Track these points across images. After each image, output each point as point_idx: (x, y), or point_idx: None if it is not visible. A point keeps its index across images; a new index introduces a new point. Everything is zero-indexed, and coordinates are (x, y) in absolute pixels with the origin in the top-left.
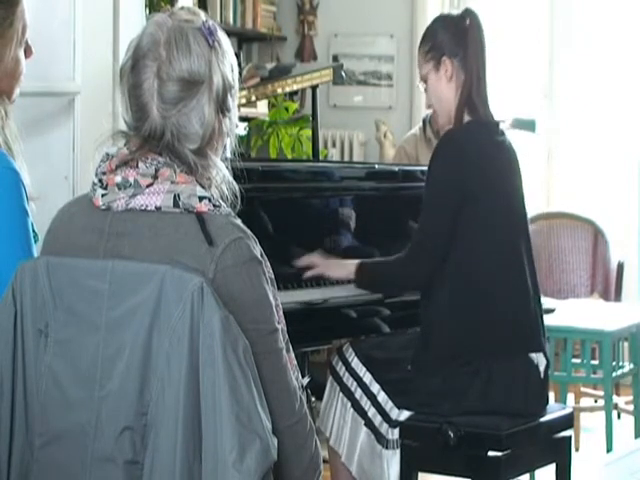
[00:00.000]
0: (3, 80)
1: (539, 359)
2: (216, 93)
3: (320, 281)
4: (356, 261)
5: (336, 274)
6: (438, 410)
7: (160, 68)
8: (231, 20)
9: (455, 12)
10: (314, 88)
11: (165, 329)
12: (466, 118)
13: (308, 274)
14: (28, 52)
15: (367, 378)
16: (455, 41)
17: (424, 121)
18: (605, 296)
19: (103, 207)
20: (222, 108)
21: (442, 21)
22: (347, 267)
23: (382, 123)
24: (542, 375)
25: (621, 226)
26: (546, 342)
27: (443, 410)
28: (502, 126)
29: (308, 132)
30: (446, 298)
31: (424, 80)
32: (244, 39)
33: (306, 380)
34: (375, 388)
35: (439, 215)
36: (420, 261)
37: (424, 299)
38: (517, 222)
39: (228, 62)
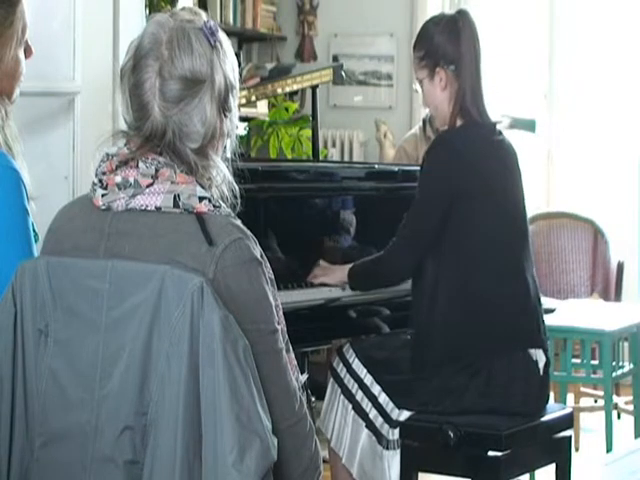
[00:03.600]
0: (3, 80)
1: (538, 355)
2: (218, 92)
3: None
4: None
5: (334, 280)
6: (438, 409)
7: (162, 67)
8: (231, 20)
9: (448, 13)
10: (314, 88)
11: (165, 329)
12: (459, 122)
13: (309, 279)
14: (28, 52)
15: (368, 379)
16: (450, 47)
17: (424, 121)
18: (605, 296)
19: (103, 207)
20: (224, 108)
21: (436, 24)
22: (344, 272)
23: (382, 123)
24: (541, 372)
25: (621, 226)
26: (546, 340)
27: (444, 408)
28: (499, 126)
29: (308, 132)
30: (443, 298)
31: (420, 82)
32: (244, 39)
33: (304, 377)
34: (376, 389)
35: (426, 214)
36: (403, 256)
37: (422, 298)
38: (515, 220)
39: (229, 62)
